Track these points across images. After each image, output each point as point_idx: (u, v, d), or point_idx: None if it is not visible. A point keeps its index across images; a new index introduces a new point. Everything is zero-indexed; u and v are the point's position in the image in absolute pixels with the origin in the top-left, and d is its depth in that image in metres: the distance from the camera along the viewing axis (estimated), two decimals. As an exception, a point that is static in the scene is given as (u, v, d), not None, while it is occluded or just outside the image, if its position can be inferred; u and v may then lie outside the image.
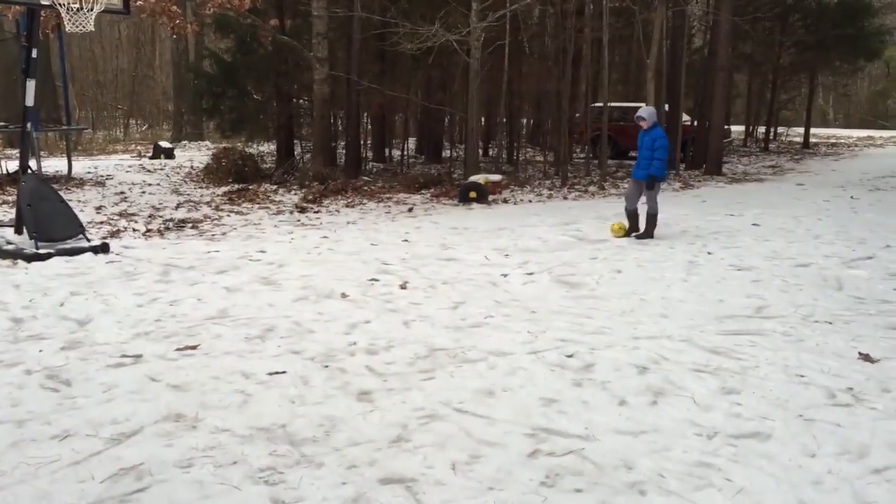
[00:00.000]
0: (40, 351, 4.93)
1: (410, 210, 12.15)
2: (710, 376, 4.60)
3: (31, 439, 3.66)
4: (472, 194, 12.84)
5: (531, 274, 7.39)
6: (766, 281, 7.09)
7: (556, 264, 7.80)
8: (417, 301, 6.34)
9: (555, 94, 17.55)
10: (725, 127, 19.93)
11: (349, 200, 12.97)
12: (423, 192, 14.14)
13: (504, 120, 19.37)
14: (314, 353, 4.98)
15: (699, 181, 16.69)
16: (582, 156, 21.08)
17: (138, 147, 25.85)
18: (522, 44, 17.66)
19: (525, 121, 24.23)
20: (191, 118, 29.14)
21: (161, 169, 17.99)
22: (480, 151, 18.34)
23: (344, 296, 6.45)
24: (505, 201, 13.31)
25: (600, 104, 18.67)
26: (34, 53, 7.91)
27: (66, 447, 3.57)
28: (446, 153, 21.47)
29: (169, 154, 21.32)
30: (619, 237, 9.31)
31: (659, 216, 9.41)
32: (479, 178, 13.51)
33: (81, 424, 3.82)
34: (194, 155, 22.35)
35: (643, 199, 9.30)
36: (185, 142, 27.75)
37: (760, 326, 5.66)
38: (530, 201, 13.46)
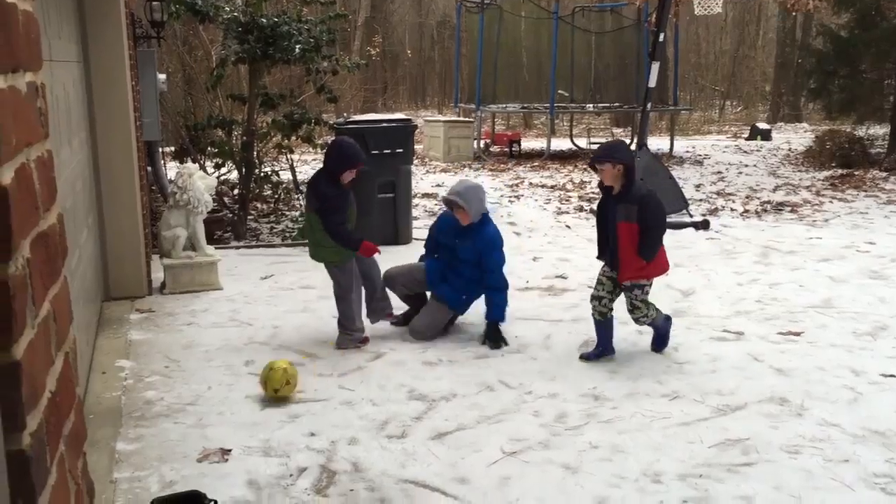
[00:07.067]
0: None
1: None
2: None
3: (645, 394, 3.99)
4: None
5: None
6: None
7: None
8: None
9: None
10: None
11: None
12: None
13: None
14: (937, 362, 4.41)
15: None
16: None
17: (732, 128, 26.02)
18: None
19: None
20: (790, 99, 28.21)
21: (757, 150, 17.78)
22: None
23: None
24: None
25: None
26: (661, 38, 8.48)
27: (675, 407, 3.81)
28: None
29: (765, 136, 20.95)
30: (275, 396, 3.93)
31: None
32: None
33: (688, 389, 4.03)
34: (791, 137, 21.58)
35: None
36: (781, 123, 26.99)
37: None
38: None
